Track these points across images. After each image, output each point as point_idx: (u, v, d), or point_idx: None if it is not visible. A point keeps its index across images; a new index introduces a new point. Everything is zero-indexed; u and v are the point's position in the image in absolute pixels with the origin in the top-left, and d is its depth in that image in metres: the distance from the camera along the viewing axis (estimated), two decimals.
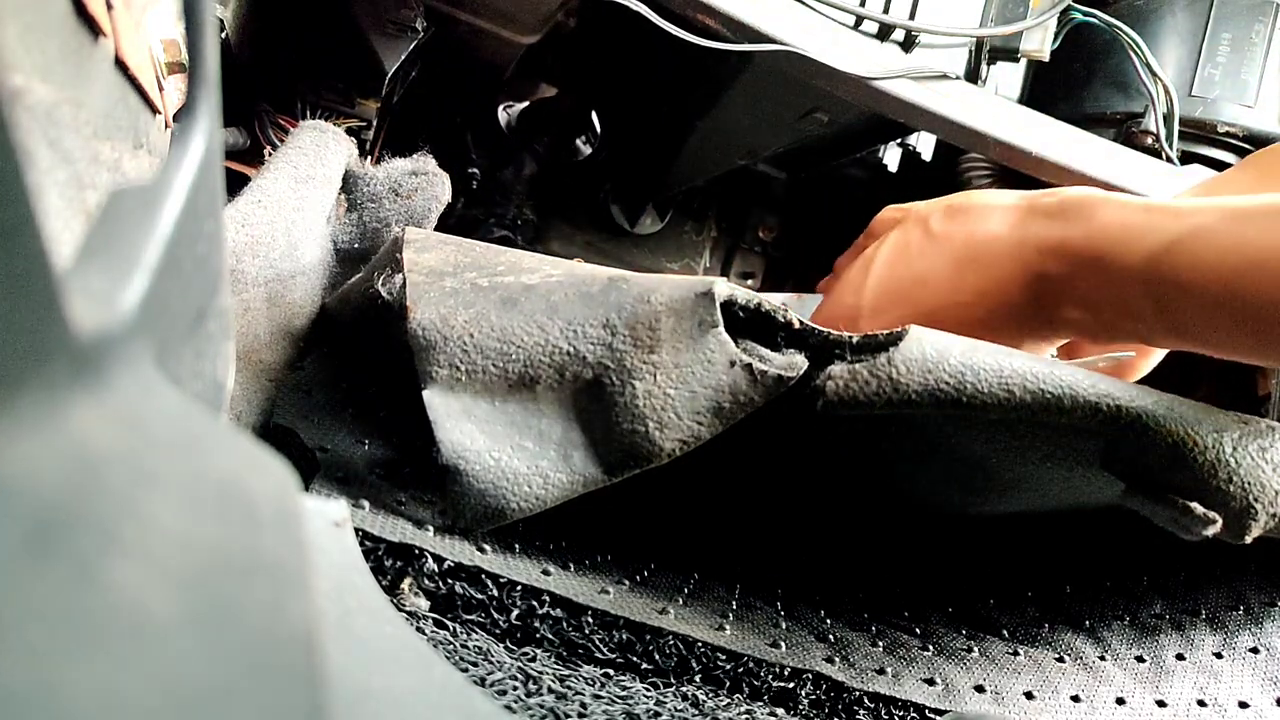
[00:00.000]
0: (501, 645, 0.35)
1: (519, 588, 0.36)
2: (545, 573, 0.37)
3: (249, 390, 0.39)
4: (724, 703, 0.36)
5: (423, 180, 0.49)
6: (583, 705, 0.33)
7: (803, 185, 0.93)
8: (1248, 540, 0.36)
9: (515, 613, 0.36)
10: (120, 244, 0.15)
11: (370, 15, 0.57)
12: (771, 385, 0.35)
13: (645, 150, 0.82)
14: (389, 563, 0.35)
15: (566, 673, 0.34)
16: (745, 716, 0.35)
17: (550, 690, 0.33)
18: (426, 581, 0.35)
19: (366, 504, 0.36)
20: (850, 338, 0.37)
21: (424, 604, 0.35)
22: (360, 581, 0.28)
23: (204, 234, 0.19)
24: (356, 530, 0.35)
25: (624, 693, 0.34)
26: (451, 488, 0.35)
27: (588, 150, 0.81)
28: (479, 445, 0.35)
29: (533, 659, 0.35)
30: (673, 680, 0.37)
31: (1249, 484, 0.35)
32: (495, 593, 0.36)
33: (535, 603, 0.36)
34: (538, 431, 0.36)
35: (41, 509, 0.09)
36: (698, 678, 0.37)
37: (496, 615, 0.36)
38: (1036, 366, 0.36)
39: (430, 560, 0.35)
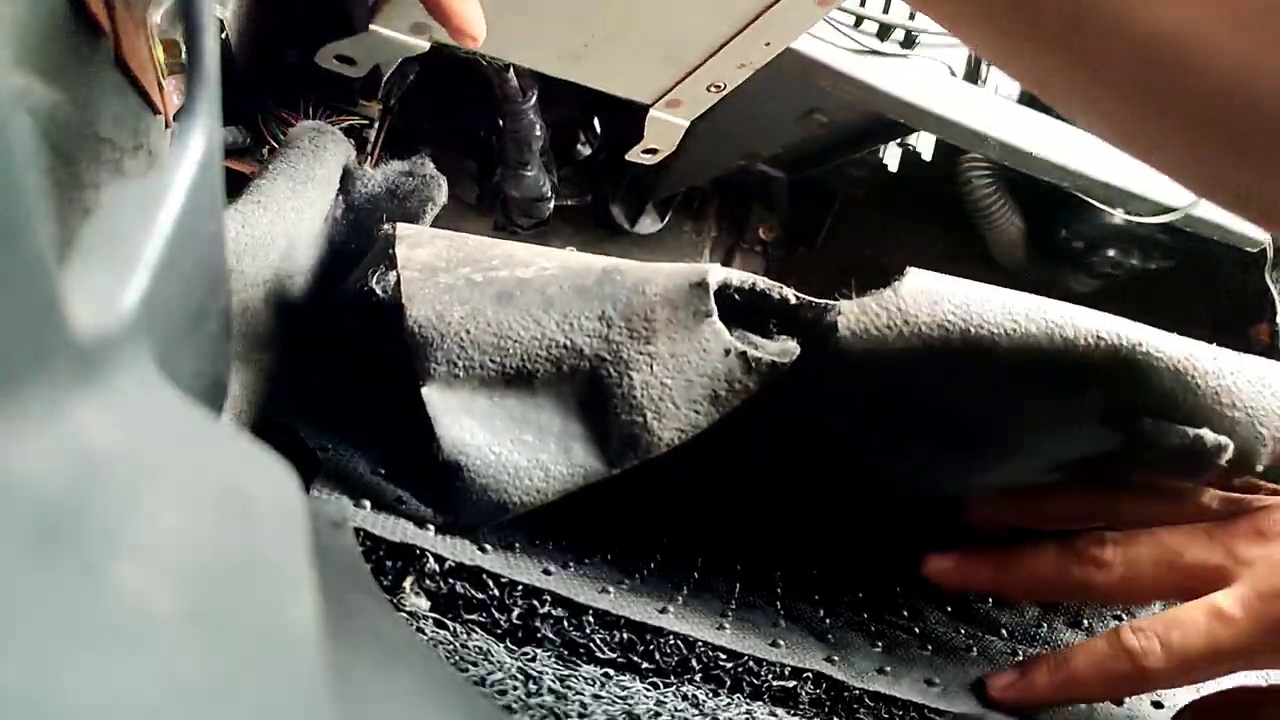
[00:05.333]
0: (502, 645, 0.35)
1: (520, 587, 0.36)
2: (546, 572, 0.37)
3: (249, 390, 0.39)
4: (724, 702, 0.36)
5: (419, 181, 0.49)
6: (583, 705, 0.33)
7: (803, 185, 0.93)
8: (1259, 469, 0.35)
9: (516, 612, 0.36)
10: (120, 244, 0.15)
11: (366, 18, 0.57)
12: (766, 371, 0.36)
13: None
14: (390, 563, 0.35)
15: (567, 673, 0.34)
16: (745, 716, 0.35)
17: (550, 690, 0.33)
18: (427, 581, 0.35)
19: (367, 504, 0.36)
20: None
21: (424, 604, 0.35)
22: (360, 581, 0.28)
23: (204, 234, 0.19)
24: (357, 530, 0.35)
25: (624, 693, 0.34)
26: (453, 484, 0.35)
27: (588, 151, 0.81)
28: (479, 440, 0.35)
29: (533, 659, 0.35)
30: (673, 680, 0.37)
31: (1253, 409, 0.35)
32: (496, 592, 0.36)
33: (536, 602, 0.36)
34: (537, 425, 0.36)
35: (41, 508, 0.09)
36: (698, 677, 0.37)
37: (498, 615, 0.36)
38: (1040, 300, 0.36)
39: (431, 560, 0.35)
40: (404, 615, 0.34)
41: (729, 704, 0.36)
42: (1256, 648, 0.31)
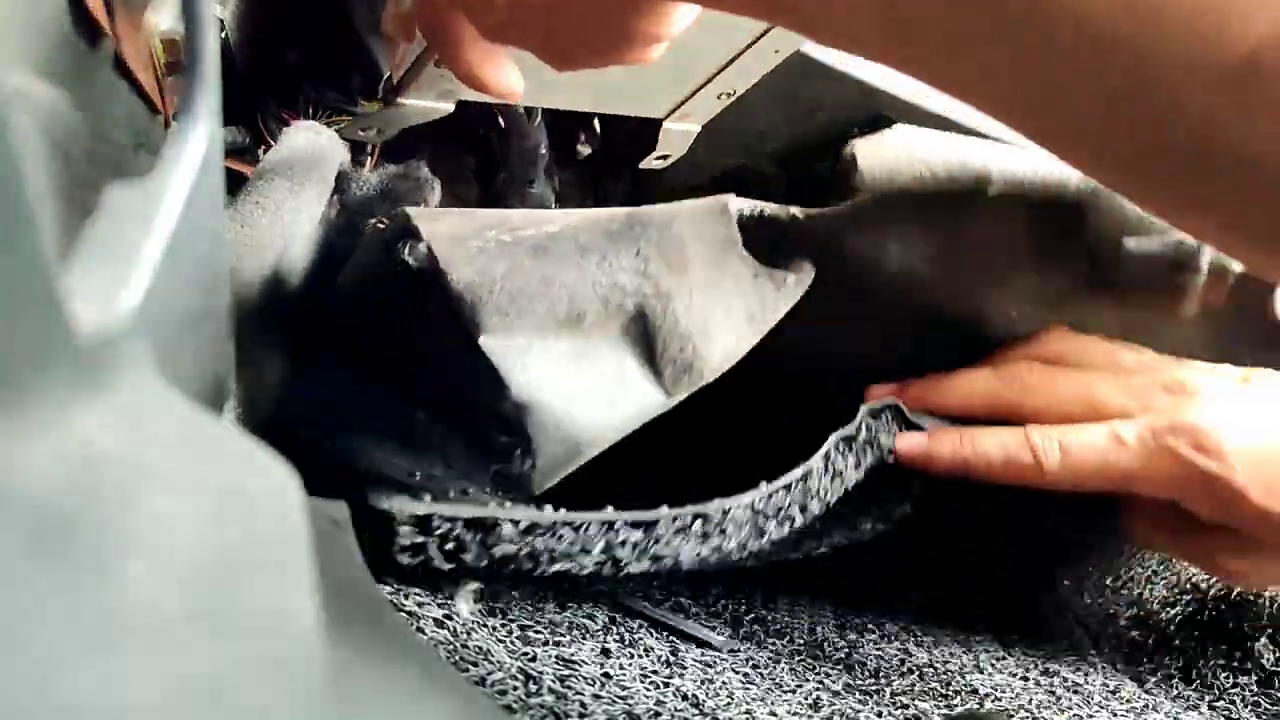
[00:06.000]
0: (502, 646, 0.35)
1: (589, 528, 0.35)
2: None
3: (249, 390, 0.39)
4: (724, 702, 0.36)
5: (413, 184, 0.49)
6: (583, 705, 0.33)
7: (803, 185, 0.93)
8: (1230, 282, 0.39)
9: (596, 553, 0.35)
10: (120, 244, 0.15)
11: (367, 18, 0.57)
12: (792, 288, 0.39)
13: (644, 150, 0.82)
14: (448, 548, 0.34)
15: (567, 673, 0.34)
16: (745, 716, 0.35)
17: (550, 690, 0.33)
18: (505, 545, 0.34)
19: (427, 495, 0.35)
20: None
21: (466, 609, 0.35)
22: (360, 581, 0.28)
23: (204, 233, 0.19)
24: (424, 518, 0.34)
25: (624, 693, 0.34)
26: (528, 429, 0.35)
27: (588, 150, 0.81)
28: (544, 383, 0.35)
29: (533, 659, 0.35)
30: (672, 678, 0.37)
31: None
32: (573, 539, 0.35)
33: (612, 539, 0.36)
34: (593, 364, 0.37)
35: (44, 509, 0.09)
36: (696, 676, 0.37)
37: (580, 559, 0.35)
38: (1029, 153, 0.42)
39: (506, 526, 0.34)
40: (404, 615, 0.34)
41: (729, 704, 0.36)
42: (1137, 475, 0.35)
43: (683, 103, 0.59)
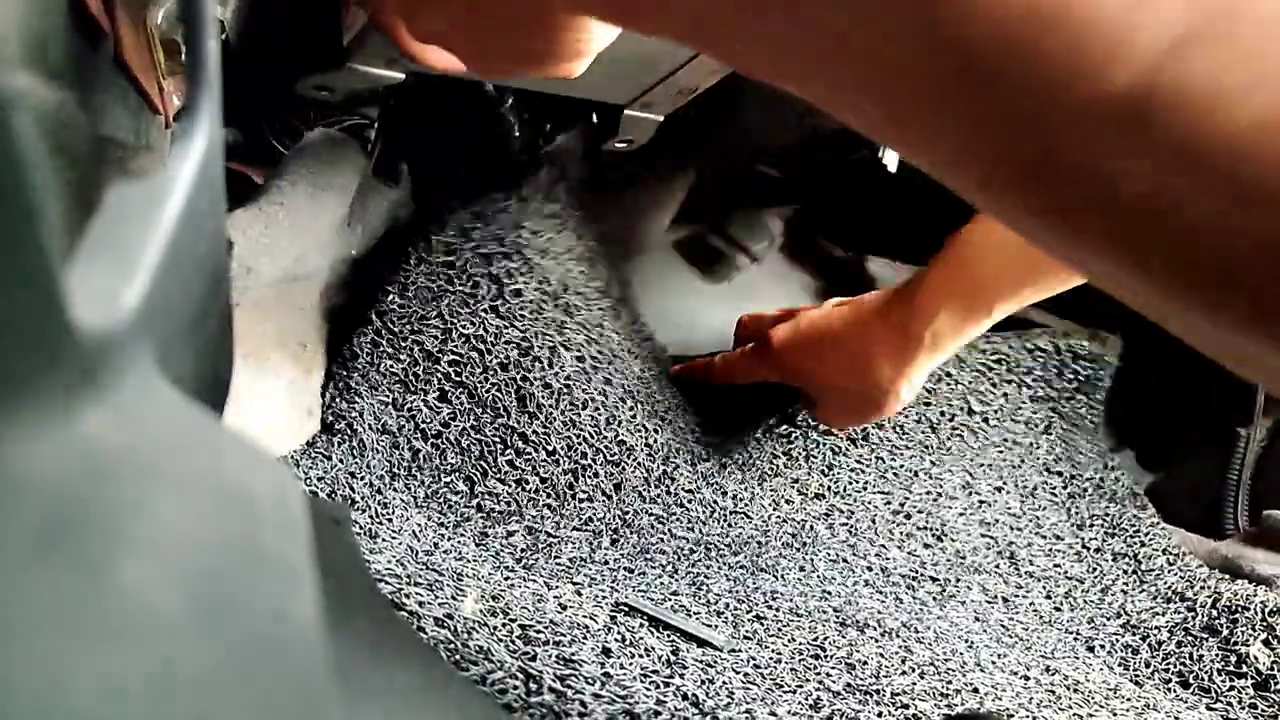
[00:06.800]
0: (502, 645, 0.35)
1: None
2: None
3: (254, 390, 0.39)
4: (724, 702, 0.36)
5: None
6: (583, 705, 0.33)
7: (803, 185, 0.93)
8: None
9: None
10: (122, 244, 0.15)
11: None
12: None
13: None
14: None
15: (567, 673, 0.34)
16: (745, 716, 0.35)
17: (551, 690, 0.33)
18: None
19: None
20: None
21: (468, 608, 0.35)
22: (360, 581, 0.28)
23: (205, 233, 0.19)
24: None
25: (624, 692, 0.34)
26: None
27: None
28: None
29: (533, 659, 0.35)
30: (673, 678, 0.37)
31: None
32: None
33: None
34: None
35: (48, 508, 0.09)
36: (696, 676, 0.37)
37: None
38: None
39: None
40: (405, 614, 0.34)
41: (729, 704, 0.36)
42: (759, 372, 0.66)
43: (642, 94, 0.61)
